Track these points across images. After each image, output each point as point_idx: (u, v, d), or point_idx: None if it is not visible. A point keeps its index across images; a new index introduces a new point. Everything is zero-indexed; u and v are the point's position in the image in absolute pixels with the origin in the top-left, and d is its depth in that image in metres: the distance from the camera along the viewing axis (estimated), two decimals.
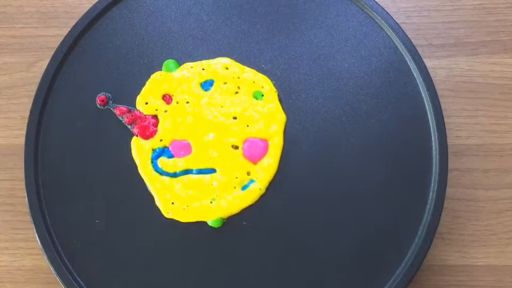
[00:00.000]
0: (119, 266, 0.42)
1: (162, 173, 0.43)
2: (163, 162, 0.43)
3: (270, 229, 0.43)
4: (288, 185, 0.44)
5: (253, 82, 0.44)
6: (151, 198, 0.43)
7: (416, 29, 0.50)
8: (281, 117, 0.44)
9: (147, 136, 0.43)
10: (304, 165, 0.44)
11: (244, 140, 0.44)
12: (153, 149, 0.44)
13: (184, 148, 0.43)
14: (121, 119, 0.43)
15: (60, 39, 0.46)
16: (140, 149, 0.43)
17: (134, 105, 0.45)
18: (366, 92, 0.45)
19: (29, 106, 0.44)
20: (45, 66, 0.45)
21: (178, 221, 0.43)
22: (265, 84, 0.44)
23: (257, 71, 0.45)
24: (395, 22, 0.46)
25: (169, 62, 0.45)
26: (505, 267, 0.46)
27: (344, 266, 0.42)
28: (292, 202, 0.43)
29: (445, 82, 0.49)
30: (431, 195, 0.43)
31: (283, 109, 0.45)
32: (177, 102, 0.44)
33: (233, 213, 0.43)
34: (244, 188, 0.43)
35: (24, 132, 0.44)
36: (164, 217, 0.43)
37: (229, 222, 0.43)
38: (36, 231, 0.43)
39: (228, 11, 0.47)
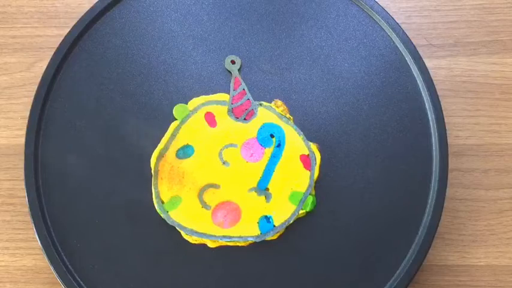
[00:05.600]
0: (119, 266, 0.42)
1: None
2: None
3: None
4: None
5: None
6: (151, 197, 0.43)
7: (416, 29, 0.50)
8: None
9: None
10: None
11: None
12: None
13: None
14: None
15: (60, 39, 0.46)
16: None
17: (135, 105, 0.45)
18: (366, 92, 0.45)
19: (29, 106, 0.44)
20: (45, 66, 0.45)
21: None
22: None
23: (257, 71, 0.45)
24: (396, 22, 0.46)
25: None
26: (505, 267, 0.46)
27: (344, 266, 0.42)
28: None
29: (445, 82, 0.49)
30: (431, 195, 0.43)
31: None
32: None
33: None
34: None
35: (24, 132, 0.44)
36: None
37: None
38: (36, 231, 0.43)
39: (228, 11, 0.47)
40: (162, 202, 0.43)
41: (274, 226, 0.43)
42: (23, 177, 0.43)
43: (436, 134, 0.44)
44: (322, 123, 0.45)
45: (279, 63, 0.46)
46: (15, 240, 0.46)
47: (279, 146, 0.44)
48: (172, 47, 0.46)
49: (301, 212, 0.43)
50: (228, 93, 0.45)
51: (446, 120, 0.44)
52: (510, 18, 0.50)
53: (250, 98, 0.45)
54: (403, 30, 0.46)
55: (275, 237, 0.43)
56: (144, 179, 0.44)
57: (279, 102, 0.45)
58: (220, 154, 0.44)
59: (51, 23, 0.50)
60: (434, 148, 0.44)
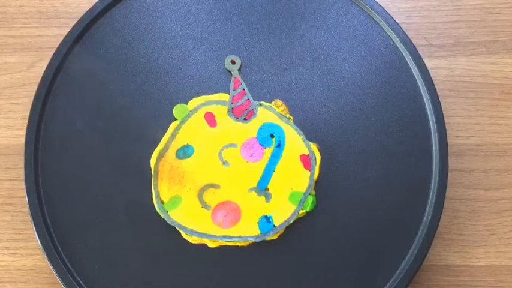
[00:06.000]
0: (119, 266, 0.42)
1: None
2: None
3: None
4: None
5: None
6: (151, 197, 0.43)
7: (416, 29, 0.50)
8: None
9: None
10: None
11: None
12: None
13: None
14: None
15: (60, 39, 0.46)
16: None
17: (135, 105, 0.45)
18: (366, 91, 0.45)
19: (29, 106, 0.44)
20: (45, 66, 0.45)
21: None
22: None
23: (257, 71, 0.45)
24: (396, 22, 0.46)
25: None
26: (505, 267, 0.46)
27: (344, 266, 0.42)
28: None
29: (445, 82, 0.49)
30: (431, 195, 0.43)
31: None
32: None
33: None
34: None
35: (24, 132, 0.44)
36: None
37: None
38: (36, 231, 0.43)
39: (228, 11, 0.47)
40: (162, 202, 0.43)
41: (274, 226, 0.43)
42: (23, 177, 0.43)
43: (436, 134, 0.44)
44: (322, 123, 0.45)
45: (279, 63, 0.46)
46: (15, 240, 0.46)
47: (279, 146, 0.44)
48: (172, 47, 0.46)
49: (301, 212, 0.43)
50: (228, 93, 0.45)
51: (446, 120, 0.44)
52: (510, 18, 0.50)
53: (250, 98, 0.45)
54: (403, 30, 0.46)
55: (275, 237, 0.43)
56: (144, 179, 0.44)
57: (279, 102, 0.45)
58: (220, 154, 0.44)
59: (51, 23, 0.50)
60: (434, 148, 0.44)
